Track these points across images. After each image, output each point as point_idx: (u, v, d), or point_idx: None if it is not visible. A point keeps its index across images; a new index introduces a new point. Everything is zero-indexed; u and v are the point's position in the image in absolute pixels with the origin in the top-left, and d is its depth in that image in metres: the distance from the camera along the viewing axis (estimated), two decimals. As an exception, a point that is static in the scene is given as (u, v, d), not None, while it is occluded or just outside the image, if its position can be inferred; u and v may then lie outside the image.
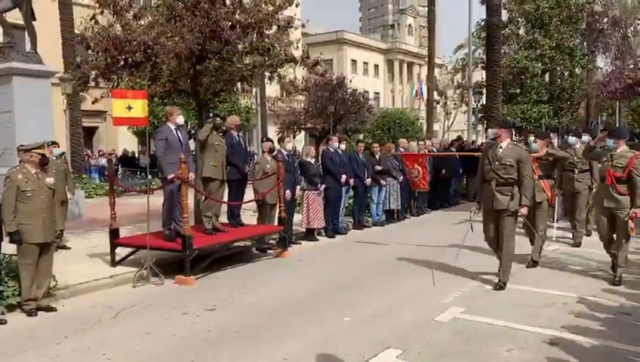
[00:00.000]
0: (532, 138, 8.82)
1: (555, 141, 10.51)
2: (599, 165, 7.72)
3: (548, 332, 5.34)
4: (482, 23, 26.74)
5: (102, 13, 9.50)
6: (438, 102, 40.16)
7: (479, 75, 30.52)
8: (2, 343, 5.27)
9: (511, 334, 5.29)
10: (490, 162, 6.78)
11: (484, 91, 23.60)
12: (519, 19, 30.01)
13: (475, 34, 28.84)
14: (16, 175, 6.03)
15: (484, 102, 24.27)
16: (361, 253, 9.50)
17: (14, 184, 5.97)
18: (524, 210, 6.81)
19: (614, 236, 7.27)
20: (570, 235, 9.86)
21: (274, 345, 5.10)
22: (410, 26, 67.19)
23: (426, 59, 36.12)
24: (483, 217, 7.10)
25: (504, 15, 26.78)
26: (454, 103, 38.46)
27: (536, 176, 7.76)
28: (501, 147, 6.77)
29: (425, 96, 41.21)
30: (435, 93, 35.90)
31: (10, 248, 6.27)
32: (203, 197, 8.80)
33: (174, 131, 8.09)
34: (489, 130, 6.71)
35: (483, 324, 5.59)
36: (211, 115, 9.87)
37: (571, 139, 10.04)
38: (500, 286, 6.88)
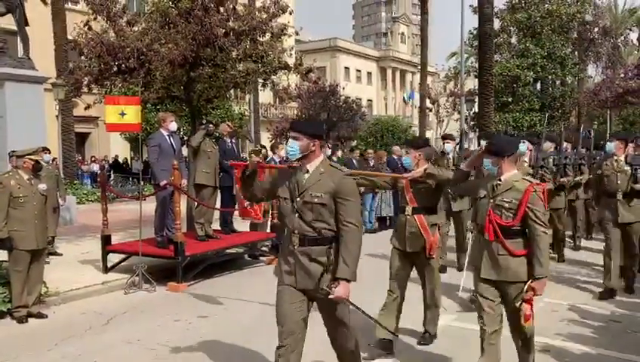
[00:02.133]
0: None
1: None
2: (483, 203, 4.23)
3: (539, 339, 5.34)
4: (475, 32, 26.95)
5: (95, 19, 9.50)
6: (430, 110, 40.35)
7: (472, 83, 30.75)
8: (-8, 350, 5.24)
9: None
10: (292, 198, 3.66)
11: (477, 99, 23.75)
12: (511, 28, 30.30)
13: (467, 42, 29.06)
14: (8, 181, 6.01)
15: (477, 110, 24.41)
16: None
17: (7, 190, 5.94)
18: (341, 290, 3.54)
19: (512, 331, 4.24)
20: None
21: (266, 353, 5.09)
22: (403, 34, 67.44)
23: (419, 67, 36.28)
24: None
25: (496, 24, 27.03)
26: (447, 111, 38.67)
27: (409, 209, 5.06)
28: (307, 171, 3.67)
29: (414, 103, 41.36)
30: (428, 100, 36.07)
31: (1, 254, 6.24)
32: (195, 204, 8.79)
33: (167, 138, 8.10)
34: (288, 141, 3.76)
35: (475, 332, 5.57)
36: (204, 121, 9.88)
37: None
38: None
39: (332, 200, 3.58)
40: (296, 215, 3.63)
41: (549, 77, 29.76)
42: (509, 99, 28.94)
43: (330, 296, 3.56)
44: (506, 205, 3.99)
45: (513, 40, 30.71)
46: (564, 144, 9.05)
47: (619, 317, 6.09)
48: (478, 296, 4.19)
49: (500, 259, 4.02)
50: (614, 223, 6.83)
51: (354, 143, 28.82)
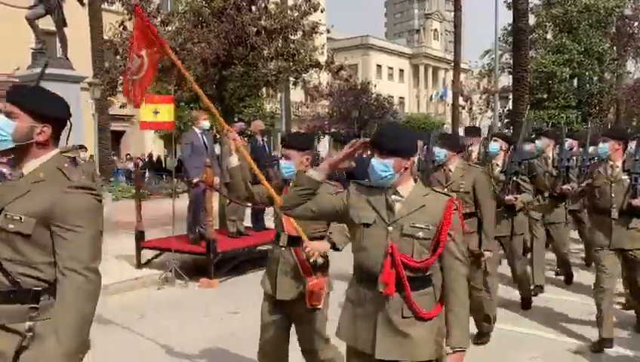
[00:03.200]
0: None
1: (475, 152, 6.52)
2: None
3: (573, 340, 5.28)
4: (509, 28, 26.56)
5: (130, 19, 9.69)
6: (463, 108, 39.92)
7: (506, 80, 30.31)
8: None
9: (535, 342, 5.24)
10: None
11: (511, 96, 23.40)
12: (547, 23, 29.79)
13: (501, 38, 28.64)
14: (45, 178, 6.15)
15: (511, 108, 24.06)
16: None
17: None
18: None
19: None
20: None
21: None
22: (435, 30, 66.85)
23: (452, 64, 35.93)
24: None
25: (531, 19, 26.59)
26: (480, 108, 38.19)
27: (285, 239, 3.58)
28: (22, 175, 2.21)
29: (445, 99, 40.88)
30: (461, 98, 35.70)
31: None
32: (228, 201, 8.89)
33: (200, 136, 8.21)
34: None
35: (506, 331, 5.53)
36: (236, 119, 9.98)
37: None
38: None
39: (44, 228, 2.11)
40: None
41: (586, 73, 29.16)
42: (545, 96, 28.47)
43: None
44: (420, 234, 2.48)
45: (549, 35, 30.19)
46: (568, 141, 7.23)
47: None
48: None
49: (404, 326, 2.48)
50: (607, 248, 4.95)
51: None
